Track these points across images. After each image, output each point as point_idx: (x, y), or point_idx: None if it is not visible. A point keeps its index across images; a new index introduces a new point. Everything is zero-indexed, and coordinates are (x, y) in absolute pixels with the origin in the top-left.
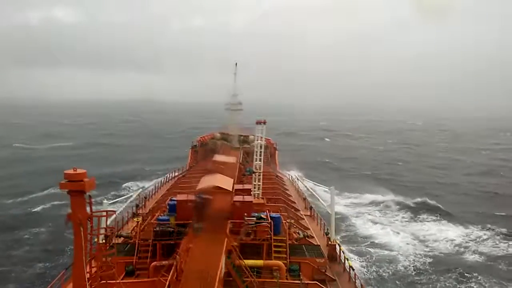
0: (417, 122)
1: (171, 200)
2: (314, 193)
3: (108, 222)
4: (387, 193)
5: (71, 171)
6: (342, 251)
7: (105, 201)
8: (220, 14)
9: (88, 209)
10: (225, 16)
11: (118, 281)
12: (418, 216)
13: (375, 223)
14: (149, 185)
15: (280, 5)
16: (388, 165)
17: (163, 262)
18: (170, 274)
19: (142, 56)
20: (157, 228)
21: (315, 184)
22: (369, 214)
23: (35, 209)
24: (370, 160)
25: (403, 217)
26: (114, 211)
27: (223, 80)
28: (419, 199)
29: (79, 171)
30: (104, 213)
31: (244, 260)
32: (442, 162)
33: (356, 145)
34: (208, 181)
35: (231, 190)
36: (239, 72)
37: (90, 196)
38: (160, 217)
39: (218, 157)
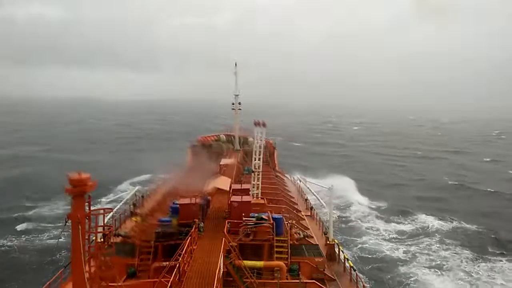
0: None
1: (173, 203)
2: (314, 193)
3: (106, 220)
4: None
5: (76, 176)
6: (341, 251)
7: (102, 199)
8: (207, 13)
9: (86, 208)
10: (212, 15)
11: (119, 283)
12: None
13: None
14: (147, 184)
15: (273, 4)
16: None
17: (164, 263)
18: (173, 275)
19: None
20: (159, 230)
21: (315, 184)
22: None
23: None
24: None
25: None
26: (111, 209)
27: (210, 79)
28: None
29: (83, 175)
30: (101, 211)
31: (245, 261)
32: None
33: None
34: (212, 183)
35: (228, 190)
36: (227, 71)
37: (89, 196)
38: (162, 218)
39: (223, 161)
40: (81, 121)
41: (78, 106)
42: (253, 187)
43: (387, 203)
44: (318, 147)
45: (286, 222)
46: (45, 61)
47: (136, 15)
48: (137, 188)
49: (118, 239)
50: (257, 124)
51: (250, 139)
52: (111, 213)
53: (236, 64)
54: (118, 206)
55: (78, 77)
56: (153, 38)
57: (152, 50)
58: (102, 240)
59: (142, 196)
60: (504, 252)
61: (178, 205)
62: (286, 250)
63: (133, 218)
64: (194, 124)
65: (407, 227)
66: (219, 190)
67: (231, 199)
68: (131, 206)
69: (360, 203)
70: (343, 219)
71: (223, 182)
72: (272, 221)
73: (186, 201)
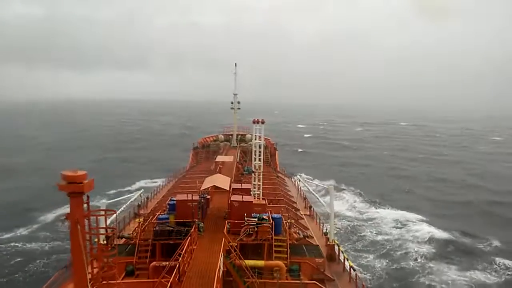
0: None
1: (171, 200)
2: (314, 193)
3: (108, 222)
4: None
5: (71, 173)
6: (341, 251)
7: (103, 200)
8: (193, 13)
9: (86, 209)
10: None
11: (118, 281)
12: None
13: None
14: (151, 185)
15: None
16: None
17: (164, 263)
18: (172, 275)
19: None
20: (157, 228)
21: (315, 184)
22: None
23: None
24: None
25: None
26: (114, 211)
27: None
28: None
29: (79, 172)
30: (103, 213)
31: (245, 261)
32: None
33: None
34: (209, 181)
35: (228, 189)
36: (224, 72)
37: (88, 196)
38: (160, 216)
39: (219, 158)
40: None
41: None
42: (254, 188)
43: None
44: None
45: (285, 222)
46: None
47: (120, 13)
48: (141, 190)
49: (122, 241)
50: (255, 122)
51: (248, 135)
52: (114, 215)
53: (236, 65)
54: (121, 208)
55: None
56: (139, 37)
57: (140, 49)
58: (105, 242)
59: (147, 198)
60: None
61: (175, 202)
62: (285, 249)
63: (137, 219)
64: None
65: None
66: (217, 189)
67: (232, 199)
68: (135, 208)
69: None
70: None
71: (222, 181)
72: (271, 221)
73: (183, 197)
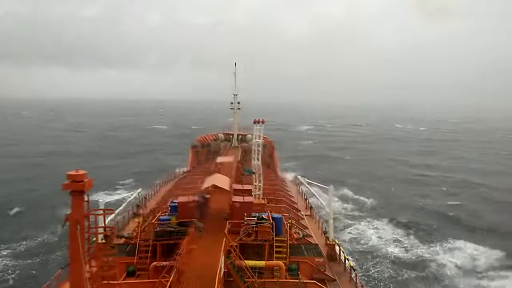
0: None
1: (172, 202)
2: (314, 192)
3: (107, 222)
4: None
5: (73, 172)
6: (342, 251)
7: (100, 200)
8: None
9: (85, 208)
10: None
11: (118, 281)
12: None
13: None
14: (150, 185)
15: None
16: None
17: (164, 263)
18: (172, 275)
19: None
20: (158, 228)
21: (315, 184)
22: None
23: None
24: None
25: None
26: (112, 210)
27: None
28: None
29: (80, 171)
30: (101, 212)
31: (246, 261)
32: None
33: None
34: (209, 181)
35: (228, 189)
36: (211, 71)
37: (87, 195)
38: (161, 217)
39: (220, 159)
40: None
41: None
42: (255, 188)
43: None
44: None
45: (285, 222)
46: None
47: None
48: (140, 189)
49: (121, 241)
50: (256, 122)
51: (249, 136)
52: (113, 214)
53: (235, 64)
54: (120, 208)
55: None
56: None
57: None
58: (103, 241)
59: (145, 197)
60: None
61: (176, 204)
62: (285, 250)
63: (136, 219)
64: None
65: None
66: (217, 188)
67: (233, 199)
68: (134, 207)
69: None
70: None
71: (221, 181)
72: (271, 221)
73: (184, 199)
